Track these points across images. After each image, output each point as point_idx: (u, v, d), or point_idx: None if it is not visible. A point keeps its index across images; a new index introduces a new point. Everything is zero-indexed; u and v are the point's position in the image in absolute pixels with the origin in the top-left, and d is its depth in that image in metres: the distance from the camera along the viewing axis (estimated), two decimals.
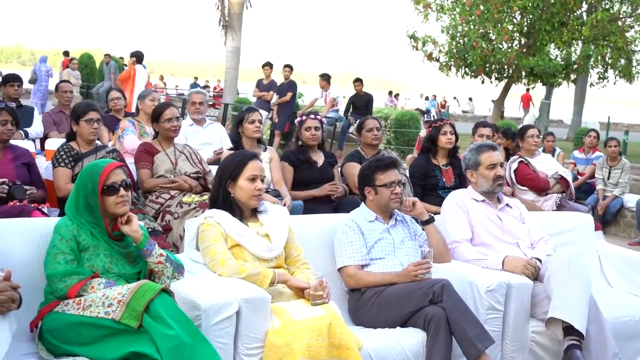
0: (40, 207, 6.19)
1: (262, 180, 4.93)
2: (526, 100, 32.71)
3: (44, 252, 4.33)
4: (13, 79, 10.12)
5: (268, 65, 18.78)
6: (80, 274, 4.17)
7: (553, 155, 11.68)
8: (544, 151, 10.80)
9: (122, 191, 4.39)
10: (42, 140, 9.60)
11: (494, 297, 5.08)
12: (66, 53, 27.72)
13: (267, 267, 4.71)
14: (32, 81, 22.22)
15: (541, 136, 9.99)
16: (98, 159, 4.73)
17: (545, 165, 9.28)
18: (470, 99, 51.81)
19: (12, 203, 6.07)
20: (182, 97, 29.26)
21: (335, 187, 7.53)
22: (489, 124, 9.42)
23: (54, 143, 8.18)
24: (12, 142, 6.69)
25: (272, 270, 4.66)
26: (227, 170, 4.91)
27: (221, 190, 4.91)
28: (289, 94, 17.99)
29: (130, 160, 7.19)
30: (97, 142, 6.99)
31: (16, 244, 4.49)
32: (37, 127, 9.72)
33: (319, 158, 7.73)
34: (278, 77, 18.92)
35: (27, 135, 9.32)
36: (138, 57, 16.97)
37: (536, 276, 5.39)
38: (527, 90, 31.24)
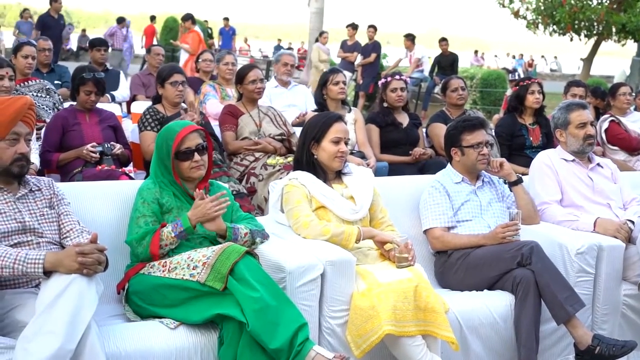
0: (127, 172, 6.26)
1: (346, 143, 4.86)
2: None
3: (130, 214, 4.38)
4: (99, 44, 10.22)
5: (352, 26, 18.65)
6: (151, 231, 4.20)
7: None
8: (635, 109, 10.48)
9: (196, 156, 4.38)
10: (129, 103, 9.70)
11: (585, 260, 4.96)
12: (152, 18, 27.46)
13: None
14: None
15: (633, 94, 9.67)
16: (175, 121, 4.73)
17: (638, 124, 8.99)
18: (556, 58, 50.75)
19: (100, 167, 6.16)
20: (266, 59, 29.31)
21: (424, 153, 7.45)
22: (583, 83, 9.14)
23: (140, 106, 8.25)
24: (98, 105, 6.76)
25: (356, 227, 4.60)
26: (311, 132, 4.85)
27: (305, 152, 4.86)
28: (373, 55, 17.87)
29: (215, 123, 7.21)
30: (183, 104, 7.03)
31: (103, 207, 4.57)
32: (123, 91, 9.83)
33: (404, 119, 7.66)
34: (362, 38, 18.80)
35: (113, 99, 9.42)
36: (193, 19, 17.17)
37: (629, 238, 5.26)
38: None
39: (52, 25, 15.82)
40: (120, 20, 21.40)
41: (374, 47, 18.11)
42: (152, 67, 10.50)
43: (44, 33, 14.02)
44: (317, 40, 18.43)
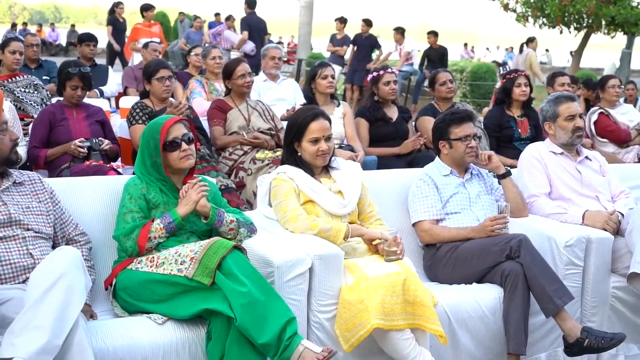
0: (115, 167, 6.25)
1: (329, 139, 4.81)
2: None
3: (117, 209, 4.36)
4: (89, 39, 10.17)
5: (340, 20, 18.56)
6: (140, 225, 4.19)
7: (635, 106, 11.36)
8: (625, 101, 10.51)
9: (184, 145, 4.37)
10: (118, 97, 9.67)
11: (573, 252, 4.96)
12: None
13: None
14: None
15: (623, 86, 9.70)
16: (159, 117, 4.73)
17: (627, 116, 9.03)
18: (547, 50, 50.78)
19: (87, 163, 6.14)
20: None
21: (418, 141, 7.43)
22: (565, 73, 9.19)
23: (129, 101, 8.24)
24: (86, 100, 6.74)
25: (345, 224, 4.59)
26: (291, 131, 4.83)
27: (288, 149, 4.87)
28: (383, 53, 17.92)
29: (203, 119, 7.20)
30: (171, 99, 7.00)
31: (91, 203, 4.55)
32: (112, 86, 9.80)
33: (393, 113, 7.64)
34: (351, 32, 18.70)
35: (102, 94, 9.40)
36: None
37: (617, 230, 5.26)
38: None
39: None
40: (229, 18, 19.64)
41: (371, 40, 17.97)
42: (146, 62, 10.46)
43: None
44: (527, 46, 18.07)
